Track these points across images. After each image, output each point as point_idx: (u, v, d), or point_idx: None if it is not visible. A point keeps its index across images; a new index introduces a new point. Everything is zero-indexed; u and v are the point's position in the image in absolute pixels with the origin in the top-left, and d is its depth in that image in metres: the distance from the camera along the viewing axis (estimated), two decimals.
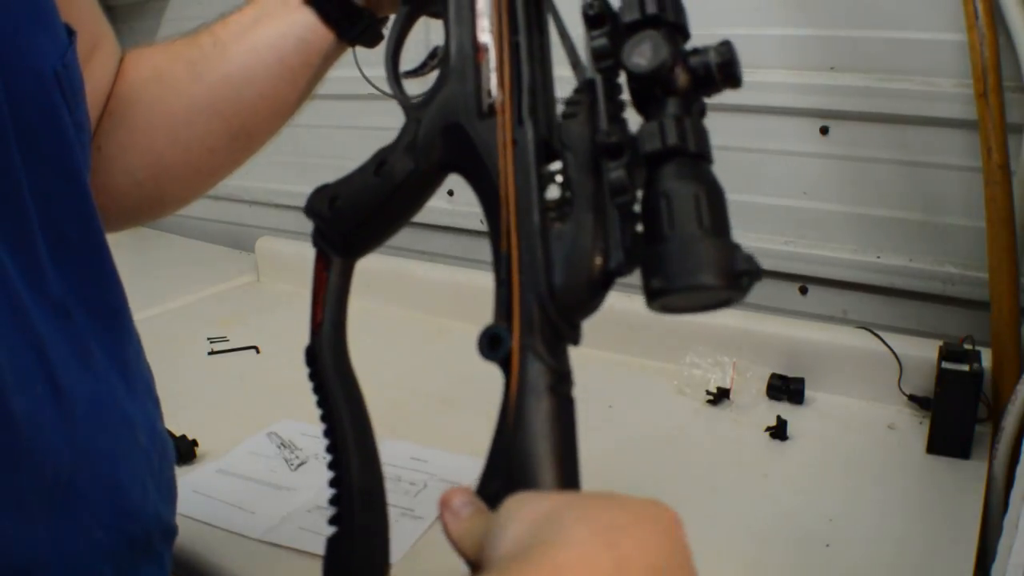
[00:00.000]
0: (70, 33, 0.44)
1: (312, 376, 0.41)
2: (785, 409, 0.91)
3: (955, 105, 0.87)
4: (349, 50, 0.55)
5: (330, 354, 0.41)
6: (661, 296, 0.32)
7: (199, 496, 0.79)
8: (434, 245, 1.31)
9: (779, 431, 0.85)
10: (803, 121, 0.97)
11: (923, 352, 0.88)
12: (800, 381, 0.92)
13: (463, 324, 1.14)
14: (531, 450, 0.33)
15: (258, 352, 1.13)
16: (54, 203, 0.41)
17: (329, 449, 0.40)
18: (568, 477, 0.33)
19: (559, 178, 0.35)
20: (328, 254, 0.42)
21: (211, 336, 1.17)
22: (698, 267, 0.31)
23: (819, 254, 1.00)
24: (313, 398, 0.41)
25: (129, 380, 0.47)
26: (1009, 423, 0.75)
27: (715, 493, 0.77)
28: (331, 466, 0.40)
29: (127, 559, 0.45)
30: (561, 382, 0.34)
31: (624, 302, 1.07)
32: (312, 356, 0.41)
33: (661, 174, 0.32)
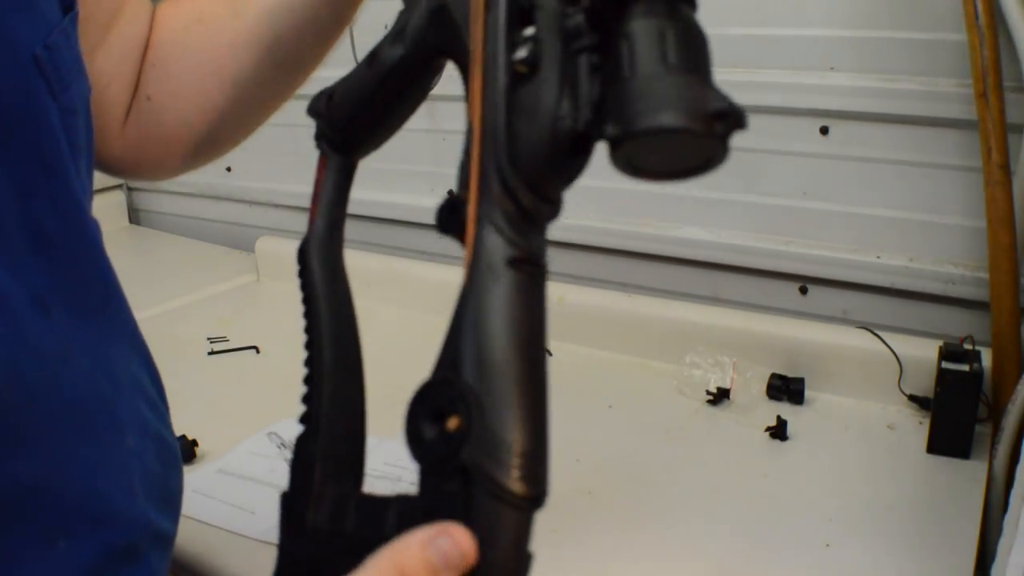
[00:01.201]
0: (66, 10, 0.43)
1: (300, 274, 0.40)
2: (785, 409, 0.91)
3: (955, 105, 0.87)
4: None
5: (319, 254, 0.40)
6: (620, 145, 0.28)
7: (199, 496, 0.79)
8: (434, 245, 1.30)
9: (779, 431, 0.85)
10: (803, 121, 0.97)
11: (923, 352, 0.88)
12: (800, 381, 0.92)
13: None
14: (484, 329, 0.29)
15: (258, 352, 1.13)
16: (32, 196, 0.40)
17: (306, 347, 0.38)
18: (527, 357, 0.29)
19: (526, 45, 0.32)
20: (327, 153, 0.41)
21: (211, 336, 1.17)
22: (659, 106, 0.27)
23: (819, 254, 1.00)
24: None
25: (116, 380, 0.45)
26: (1009, 423, 0.75)
27: (715, 493, 0.77)
28: (305, 363, 0.38)
29: (102, 568, 0.42)
30: (527, 261, 0.30)
31: (624, 302, 1.08)
32: (301, 254, 0.40)
33: (626, 15, 0.29)
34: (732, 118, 0.27)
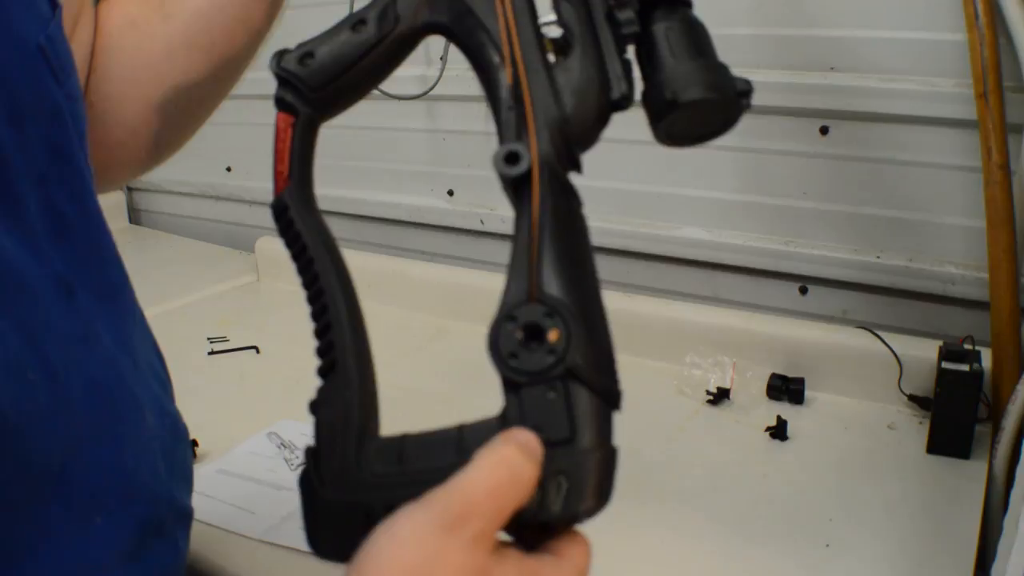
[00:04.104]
0: (54, 7, 0.44)
1: (284, 230, 0.39)
2: (785, 409, 0.91)
3: (955, 105, 0.87)
4: None
5: (299, 206, 0.40)
6: (669, 114, 0.36)
7: (199, 496, 0.78)
8: (434, 245, 1.31)
9: (779, 431, 0.85)
10: (803, 121, 0.97)
11: (923, 352, 0.88)
12: (800, 381, 0.92)
13: (463, 324, 1.13)
14: (567, 251, 0.33)
15: (258, 352, 1.13)
16: (48, 181, 0.41)
17: (312, 298, 0.37)
18: (596, 274, 0.34)
19: (555, 26, 0.38)
20: (296, 109, 0.41)
21: (211, 336, 1.17)
22: (701, 83, 0.36)
23: (819, 254, 1.00)
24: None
25: (135, 359, 0.47)
26: (1009, 423, 0.75)
27: (715, 493, 0.77)
28: (316, 315, 0.37)
29: (135, 543, 0.44)
30: (578, 200, 0.36)
31: (624, 302, 1.08)
32: (281, 209, 0.40)
33: (655, 17, 0.38)
34: (750, 92, 0.38)
